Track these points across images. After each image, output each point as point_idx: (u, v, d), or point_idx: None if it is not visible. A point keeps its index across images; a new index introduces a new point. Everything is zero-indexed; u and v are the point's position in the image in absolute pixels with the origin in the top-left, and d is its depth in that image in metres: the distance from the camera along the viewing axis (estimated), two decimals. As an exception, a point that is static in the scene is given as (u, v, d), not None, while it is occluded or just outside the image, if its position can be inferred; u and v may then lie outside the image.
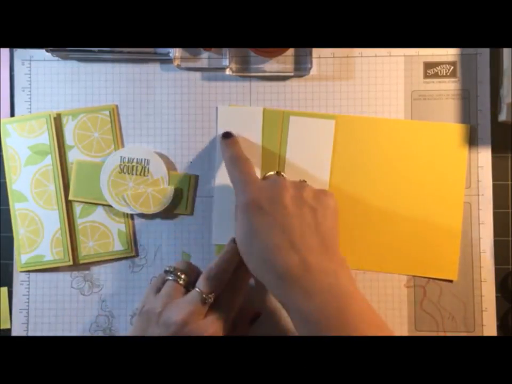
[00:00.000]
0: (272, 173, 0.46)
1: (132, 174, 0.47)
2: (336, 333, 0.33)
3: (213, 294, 0.40)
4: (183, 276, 0.42)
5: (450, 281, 0.46)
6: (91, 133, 0.48)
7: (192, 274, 0.42)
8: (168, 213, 0.48)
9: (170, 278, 0.42)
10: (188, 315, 0.39)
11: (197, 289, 0.40)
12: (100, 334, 0.48)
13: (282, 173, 0.46)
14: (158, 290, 0.42)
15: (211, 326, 0.39)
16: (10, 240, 0.48)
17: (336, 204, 0.41)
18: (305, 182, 0.43)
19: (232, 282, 0.42)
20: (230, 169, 0.43)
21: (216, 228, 0.47)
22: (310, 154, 0.47)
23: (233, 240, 0.41)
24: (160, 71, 0.48)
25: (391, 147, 0.47)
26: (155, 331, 0.39)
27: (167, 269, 0.43)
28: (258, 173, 0.47)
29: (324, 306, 0.34)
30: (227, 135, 0.46)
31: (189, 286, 0.42)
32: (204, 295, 0.40)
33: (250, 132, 0.47)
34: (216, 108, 0.48)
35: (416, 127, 0.47)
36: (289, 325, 0.45)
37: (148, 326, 0.40)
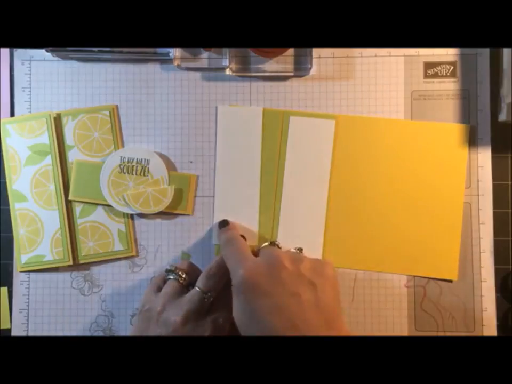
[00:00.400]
0: (266, 244, 0.44)
1: (132, 174, 0.47)
2: None
3: (212, 292, 0.40)
4: (184, 276, 0.42)
5: (450, 281, 0.46)
6: (91, 133, 0.48)
7: (193, 274, 0.42)
8: (168, 213, 0.48)
9: (171, 277, 0.42)
10: (188, 314, 0.39)
11: (197, 288, 0.40)
12: (100, 334, 0.48)
13: (277, 242, 0.44)
14: (159, 289, 0.42)
15: (210, 325, 0.39)
16: (10, 240, 0.48)
17: (335, 273, 0.40)
18: (301, 251, 0.43)
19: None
20: (225, 249, 0.42)
21: (216, 229, 0.47)
22: (310, 155, 0.47)
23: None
24: (160, 71, 0.48)
25: (391, 147, 0.47)
26: (155, 330, 0.40)
27: (169, 268, 0.43)
28: (257, 176, 0.47)
29: None
30: (223, 224, 0.45)
31: (190, 285, 0.42)
32: (203, 294, 0.40)
33: (250, 132, 0.47)
34: (216, 107, 0.48)
35: (416, 127, 0.47)
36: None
37: (148, 325, 0.40)
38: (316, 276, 0.38)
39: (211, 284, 0.40)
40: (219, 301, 0.41)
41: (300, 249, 0.44)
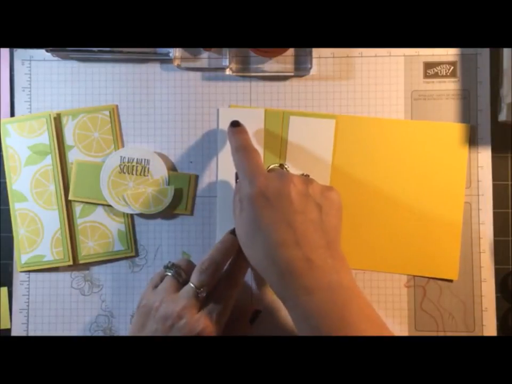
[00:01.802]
0: (276, 165, 0.45)
1: (132, 174, 0.47)
2: (336, 331, 0.34)
3: (205, 287, 0.40)
4: (181, 272, 0.42)
5: (451, 281, 0.46)
6: (91, 133, 0.48)
7: (191, 271, 0.42)
8: (168, 213, 0.48)
9: (169, 273, 0.42)
10: (182, 309, 0.39)
11: (191, 284, 0.40)
12: (100, 334, 0.48)
13: (285, 166, 0.46)
14: (157, 286, 0.43)
15: (204, 320, 0.39)
16: (10, 240, 0.48)
17: (341, 201, 0.41)
18: (309, 176, 0.43)
19: (228, 275, 0.42)
20: (238, 158, 0.42)
21: (220, 228, 0.47)
22: (310, 154, 0.47)
23: (232, 232, 0.41)
24: (160, 71, 0.48)
25: (391, 147, 0.47)
26: (153, 326, 0.40)
27: (167, 264, 0.43)
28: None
29: (325, 303, 0.35)
30: (235, 124, 0.45)
31: (187, 282, 0.42)
32: (197, 290, 0.40)
33: (251, 133, 0.47)
34: (218, 110, 0.48)
35: (416, 127, 0.47)
36: (290, 323, 0.45)
37: (146, 321, 0.40)
38: (322, 199, 0.39)
39: (204, 279, 0.40)
40: (214, 294, 0.41)
41: (307, 175, 0.44)
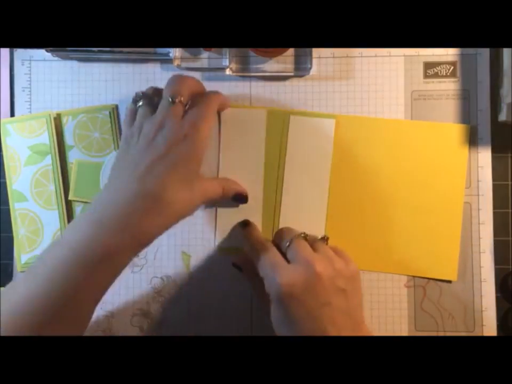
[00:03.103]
0: (294, 236, 0.42)
1: (132, 174, 0.47)
2: None
3: (179, 95, 0.40)
4: (153, 97, 0.42)
5: (450, 281, 0.46)
6: (91, 133, 0.48)
7: (161, 94, 0.42)
8: (168, 213, 0.48)
9: (140, 103, 0.42)
10: (162, 119, 0.39)
11: (165, 97, 0.40)
12: (100, 334, 0.48)
13: (303, 235, 0.42)
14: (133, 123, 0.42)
15: (187, 126, 0.39)
16: (10, 240, 0.48)
17: (358, 270, 0.41)
18: (327, 240, 0.43)
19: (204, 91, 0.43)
20: (255, 253, 0.42)
21: (220, 229, 0.47)
22: (310, 154, 0.47)
23: None
24: (160, 71, 0.48)
25: (391, 147, 0.47)
26: (137, 143, 0.40)
27: (134, 97, 0.43)
28: (261, 176, 0.47)
29: None
30: (245, 224, 0.46)
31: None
32: (171, 98, 0.40)
33: (253, 132, 0.47)
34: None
35: (416, 127, 0.47)
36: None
37: (128, 147, 0.40)
38: (345, 282, 0.39)
39: (176, 88, 0.40)
40: (192, 104, 0.41)
41: (326, 238, 0.43)
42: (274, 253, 0.41)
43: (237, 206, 0.47)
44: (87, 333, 0.48)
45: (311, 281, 0.38)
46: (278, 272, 0.39)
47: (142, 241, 0.38)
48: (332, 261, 0.40)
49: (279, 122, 0.47)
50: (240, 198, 0.46)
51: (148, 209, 0.37)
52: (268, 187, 0.47)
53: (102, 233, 0.36)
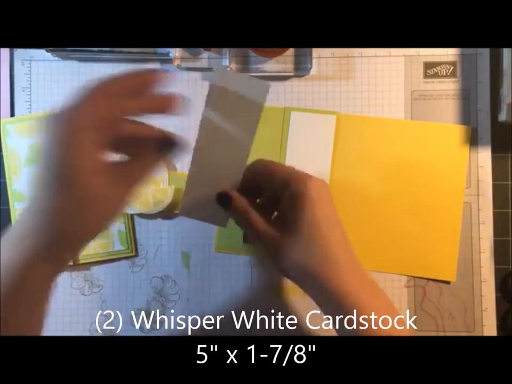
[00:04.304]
0: None
1: (132, 174, 0.47)
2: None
3: None
4: None
5: (449, 282, 0.46)
6: (91, 133, 0.48)
7: None
8: (168, 213, 0.48)
9: None
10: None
11: None
12: (100, 334, 0.48)
13: None
14: None
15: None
16: (10, 240, 0.48)
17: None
18: None
19: None
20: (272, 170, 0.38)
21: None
22: (311, 150, 0.47)
23: None
24: (160, 71, 0.48)
25: (391, 147, 0.47)
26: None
27: None
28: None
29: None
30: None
31: None
32: None
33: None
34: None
35: (416, 127, 0.47)
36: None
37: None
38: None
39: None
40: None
41: None
42: (289, 167, 0.38)
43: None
44: (87, 333, 0.48)
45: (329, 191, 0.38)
46: (305, 178, 0.37)
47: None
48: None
49: (278, 118, 0.47)
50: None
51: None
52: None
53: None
